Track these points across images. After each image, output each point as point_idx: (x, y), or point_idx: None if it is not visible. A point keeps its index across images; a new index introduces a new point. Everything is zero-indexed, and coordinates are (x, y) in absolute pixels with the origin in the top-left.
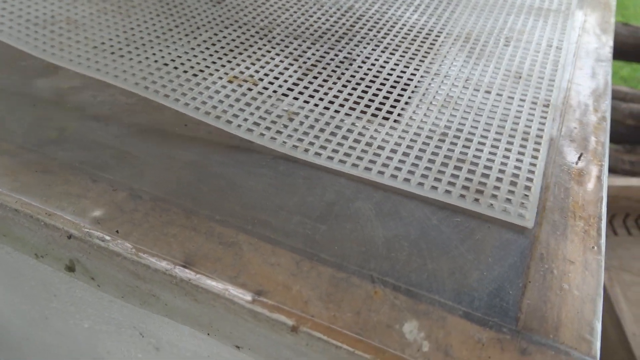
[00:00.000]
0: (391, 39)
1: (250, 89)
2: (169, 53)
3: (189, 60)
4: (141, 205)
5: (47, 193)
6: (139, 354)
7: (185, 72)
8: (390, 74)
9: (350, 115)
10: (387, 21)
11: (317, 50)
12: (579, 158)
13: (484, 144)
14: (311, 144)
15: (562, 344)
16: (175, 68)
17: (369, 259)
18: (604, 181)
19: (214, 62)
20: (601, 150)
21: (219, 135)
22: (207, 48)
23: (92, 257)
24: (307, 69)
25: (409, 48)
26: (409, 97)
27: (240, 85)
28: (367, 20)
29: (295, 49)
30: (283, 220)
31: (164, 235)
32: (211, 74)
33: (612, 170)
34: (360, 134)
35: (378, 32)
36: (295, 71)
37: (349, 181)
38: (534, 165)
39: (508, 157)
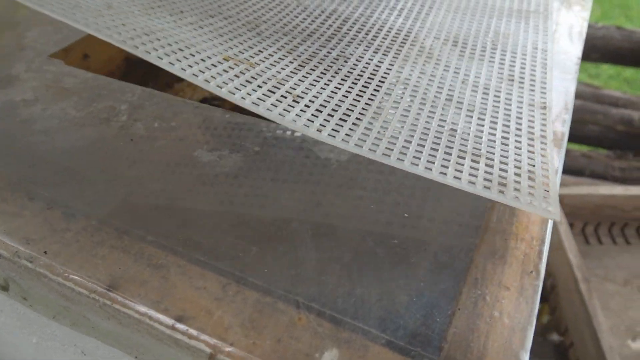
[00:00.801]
0: (381, 41)
1: (248, 70)
2: (154, 25)
3: (177, 34)
4: (74, 224)
5: None
6: None
7: (176, 43)
8: (387, 73)
9: (356, 105)
10: (374, 24)
11: (309, 47)
12: None
13: (493, 141)
14: (322, 126)
15: None
16: (165, 37)
17: (297, 283)
18: None
19: (204, 42)
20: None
21: (163, 150)
22: (195, 29)
23: (23, 277)
24: (303, 62)
25: (400, 50)
26: (411, 95)
27: (237, 65)
28: (354, 23)
29: (287, 44)
30: (216, 241)
31: (92, 257)
32: (204, 50)
33: (602, 177)
34: (372, 118)
35: (367, 34)
36: (291, 62)
37: (289, 201)
38: (546, 163)
39: (520, 155)
